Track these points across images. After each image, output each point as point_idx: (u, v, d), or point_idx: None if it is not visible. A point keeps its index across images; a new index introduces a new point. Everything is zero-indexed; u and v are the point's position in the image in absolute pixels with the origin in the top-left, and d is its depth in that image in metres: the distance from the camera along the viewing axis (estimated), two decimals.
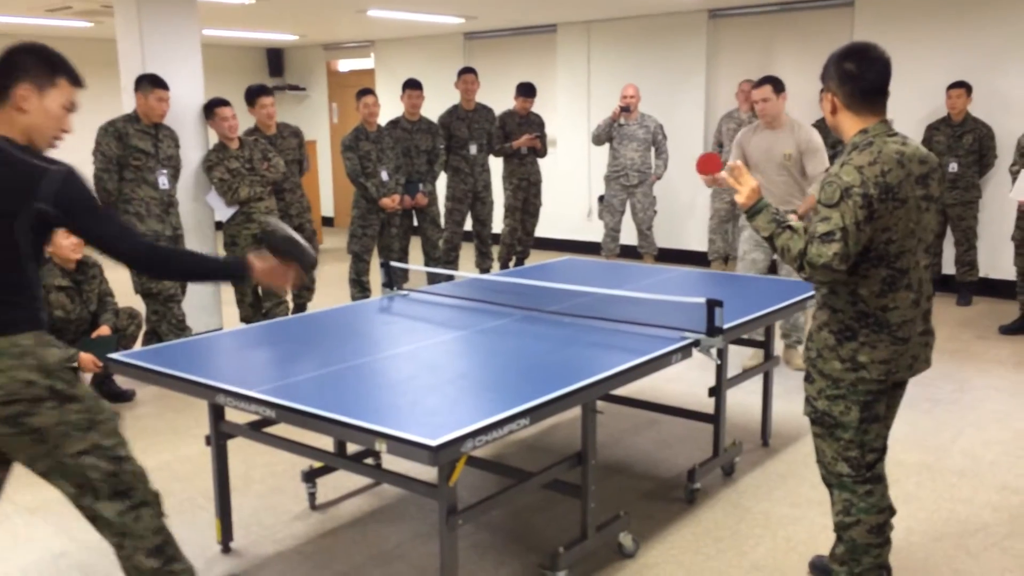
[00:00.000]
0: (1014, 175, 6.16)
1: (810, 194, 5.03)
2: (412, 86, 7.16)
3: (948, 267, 7.39)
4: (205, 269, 2.69)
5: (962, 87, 6.96)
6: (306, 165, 6.65)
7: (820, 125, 7.56)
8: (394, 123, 7.13)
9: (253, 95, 6.29)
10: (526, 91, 7.92)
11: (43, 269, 4.73)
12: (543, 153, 8.09)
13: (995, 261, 7.33)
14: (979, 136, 6.99)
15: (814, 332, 2.74)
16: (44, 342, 2.31)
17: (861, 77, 2.58)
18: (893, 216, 2.52)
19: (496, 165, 7.99)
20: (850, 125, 2.64)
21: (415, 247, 7.45)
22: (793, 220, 2.65)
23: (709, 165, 4.07)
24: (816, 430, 2.78)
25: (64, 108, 2.37)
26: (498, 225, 8.12)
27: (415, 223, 7.26)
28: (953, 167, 7.00)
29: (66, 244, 4.78)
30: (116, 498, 2.38)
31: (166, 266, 2.54)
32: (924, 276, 2.65)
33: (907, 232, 2.56)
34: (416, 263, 7.67)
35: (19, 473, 2.44)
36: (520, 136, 7.84)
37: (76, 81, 2.40)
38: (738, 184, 2.74)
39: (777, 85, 5.14)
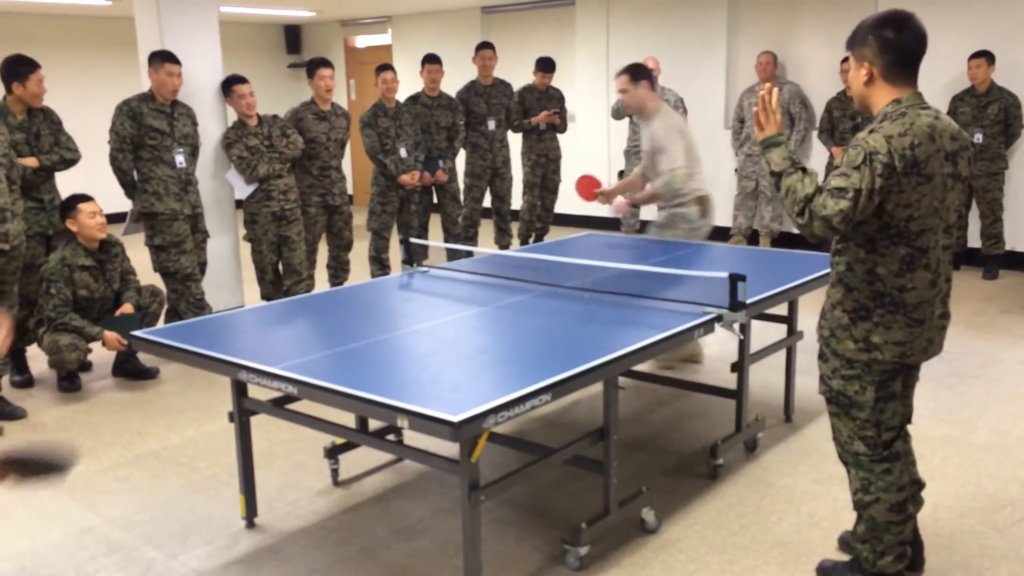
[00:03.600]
0: None
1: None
2: (432, 60, 7.11)
3: (974, 240, 7.29)
4: None
5: (983, 56, 6.85)
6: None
7: (841, 97, 7.49)
8: (414, 99, 7.08)
9: (314, 67, 6.25)
10: (545, 66, 7.83)
11: (68, 248, 4.76)
12: (563, 129, 8.01)
13: (1022, 234, 7.22)
14: (1004, 106, 6.88)
15: (827, 310, 2.69)
16: None
17: (903, 46, 2.49)
18: (916, 191, 2.44)
19: (515, 141, 7.93)
20: (883, 96, 2.55)
21: (435, 224, 7.44)
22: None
23: (587, 189, 3.98)
24: (832, 409, 2.75)
25: None
26: (517, 201, 8.09)
27: (435, 200, 7.24)
28: (979, 138, 6.90)
29: (92, 223, 4.78)
30: None
31: None
32: (943, 257, 2.58)
33: (930, 210, 2.48)
34: (436, 240, 7.66)
35: None
36: (539, 111, 7.77)
37: None
38: (764, 113, 2.63)
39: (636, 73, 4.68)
